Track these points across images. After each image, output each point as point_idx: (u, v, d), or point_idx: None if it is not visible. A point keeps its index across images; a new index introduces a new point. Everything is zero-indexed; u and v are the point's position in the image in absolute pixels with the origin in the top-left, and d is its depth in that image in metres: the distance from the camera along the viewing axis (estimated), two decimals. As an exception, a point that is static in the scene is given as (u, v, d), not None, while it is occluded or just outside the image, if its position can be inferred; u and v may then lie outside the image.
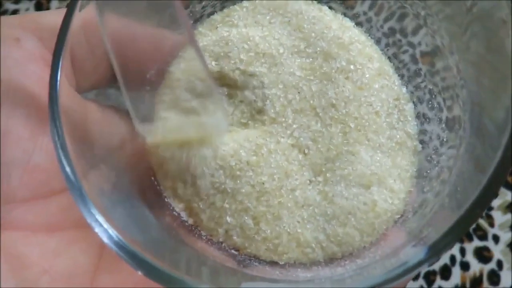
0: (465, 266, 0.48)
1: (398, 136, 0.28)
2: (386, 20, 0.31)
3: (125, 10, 0.25)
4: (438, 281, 0.48)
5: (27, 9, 0.60)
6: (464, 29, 0.25)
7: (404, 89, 0.30)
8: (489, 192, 0.20)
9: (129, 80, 0.25)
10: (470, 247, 0.49)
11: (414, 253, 0.19)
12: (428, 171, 0.28)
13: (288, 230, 0.26)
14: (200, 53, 0.25)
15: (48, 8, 0.60)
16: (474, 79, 0.25)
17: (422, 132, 0.29)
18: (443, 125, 0.28)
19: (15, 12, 0.60)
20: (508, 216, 0.49)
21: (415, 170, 0.28)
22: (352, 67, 0.29)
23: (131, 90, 0.25)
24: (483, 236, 0.49)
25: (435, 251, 0.19)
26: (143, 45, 0.27)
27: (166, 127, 0.27)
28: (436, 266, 0.48)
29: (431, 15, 0.28)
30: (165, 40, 0.28)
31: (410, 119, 0.29)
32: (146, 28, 0.27)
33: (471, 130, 0.25)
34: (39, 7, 0.60)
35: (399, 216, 0.27)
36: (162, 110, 0.29)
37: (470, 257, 0.48)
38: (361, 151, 0.27)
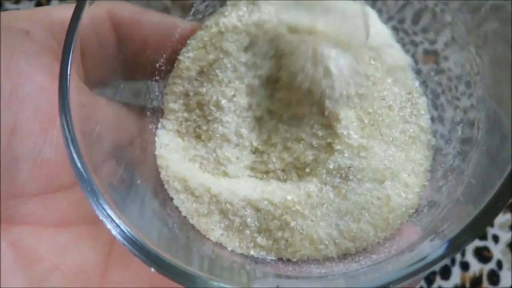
0: (465, 266, 0.48)
1: (411, 130, 0.28)
2: (389, 18, 0.30)
3: None
4: (438, 281, 0.48)
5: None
6: (483, 20, 0.25)
7: (417, 83, 0.29)
8: (510, 187, 0.19)
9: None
10: (470, 247, 0.49)
11: (433, 248, 0.18)
12: (443, 165, 0.27)
13: (301, 231, 0.25)
14: None
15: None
16: (492, 73, 0.25)
17: (436, 131, 0.29)
18: (458, 119, 0.28)
19: (15, 12, 0.59)
20: (508, 216, 0.49)
21: (429, 164, 0.28)
22: None
23: None
24: (483, 236, 0.49)
25: (456, 245, 0.18)
26: (152, 32, 0.26)
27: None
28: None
29: (445, 4, 0.27)
30: (174, 27, 0.28)
31: (423, 112, 0.29)
32: (155, 15, 0.27)
33: (488, 125, 0.25)
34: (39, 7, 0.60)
35: (413, 210, 0.27)
36: (172, 101, 0.28)
37: (470, 257, 0.48)
38: (375, 145, 0.27)
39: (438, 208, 0.25)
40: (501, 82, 0.24)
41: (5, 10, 0.60)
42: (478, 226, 0.18)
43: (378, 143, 0.27)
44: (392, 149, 0.27)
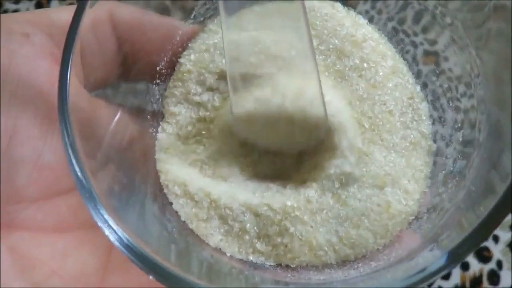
0: (465, 266, 0.48)
1: (412, 136, 0.28)
2: (389, 19, 0.30)
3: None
4: (438, 281, 0.47)
5: (27, 9, 0.59)
6: (483, 21, 0.24)
7: (418, 88, 0.29)
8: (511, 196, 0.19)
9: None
10: (469, 247, 0.49)
11: (433, 259, 0.18)
12: (443, 171, 0.27)
13: (300, 237, 0.25)
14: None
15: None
16: (492, 74, 0.25)
17: (436, 132, 0.28)
18: (459, 121, 0.27)
19: (15, 12, 0.59)
20: (508, 216, 0.49)
21: (429, 170, 0.28)
22: (365, 65, 0.28)
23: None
24: (482, 236, 0.49)
25: (456, 256, 0.18)
26: (153, 35, 0.26)
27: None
28: (436, 266, 0.48)
29: (444, 6, 0.27)
30: (175, 30, 0.28)
31: (424, 118, 0.28)
32: (156, 18, 0.27)
33: (489, 130, 0.24)
34: (39, 7, 0.60)
35: (413, 217, 0.26)
36: (173, 105, 0.28)
37: (470, 257, 0.48)
38: (375, 151, 0.27)
39: (438, 215, 0.25)
40: (502, 85, 0.24)
41: (5, 10, 0.59)
42: (479, 237, 0.18)
43: (379, 149, 0.27)
44: (393, 155, 0.27)
